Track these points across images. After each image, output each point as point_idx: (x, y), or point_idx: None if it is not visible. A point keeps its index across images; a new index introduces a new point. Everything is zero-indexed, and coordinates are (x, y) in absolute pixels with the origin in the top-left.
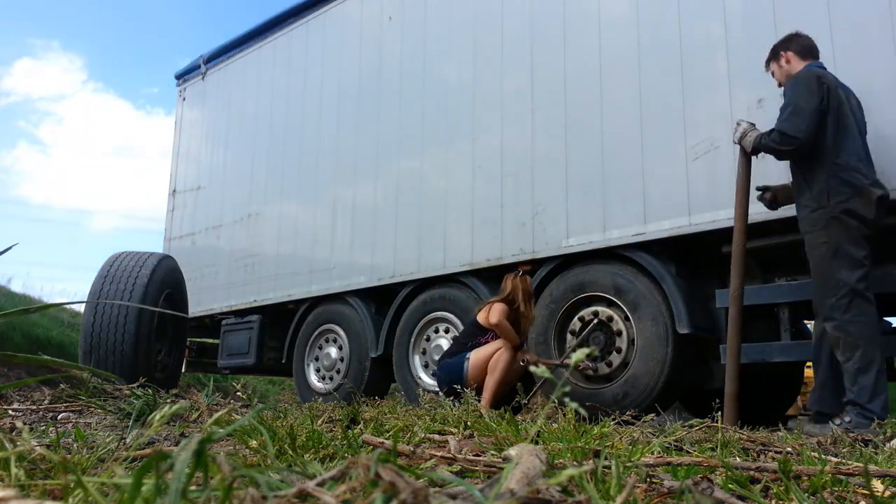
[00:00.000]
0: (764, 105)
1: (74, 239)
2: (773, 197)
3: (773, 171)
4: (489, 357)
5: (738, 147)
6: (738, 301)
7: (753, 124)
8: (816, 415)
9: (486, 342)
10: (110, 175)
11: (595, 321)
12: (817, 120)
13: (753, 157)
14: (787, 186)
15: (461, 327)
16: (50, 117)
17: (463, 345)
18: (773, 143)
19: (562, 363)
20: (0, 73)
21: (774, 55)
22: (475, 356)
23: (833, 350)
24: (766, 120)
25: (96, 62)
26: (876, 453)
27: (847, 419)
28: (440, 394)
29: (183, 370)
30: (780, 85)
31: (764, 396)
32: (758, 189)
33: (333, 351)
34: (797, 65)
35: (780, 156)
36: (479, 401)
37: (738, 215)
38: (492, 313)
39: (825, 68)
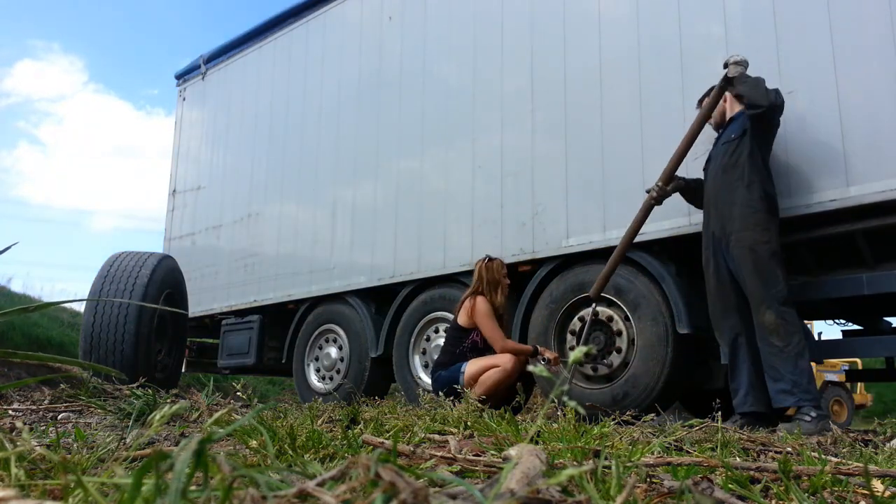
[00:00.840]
0: None
1: (74, 239)
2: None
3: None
4: (484, 370)
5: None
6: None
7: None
8: (751, 416)
9: (474, 342)
10: (110, 175)
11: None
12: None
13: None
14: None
15: None
16: (50, 118)
17: (451, 353)
18: (772, 92)
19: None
20: (1, 75)
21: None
22: (471, 368)
23: (768, 339)
24: None
25: (97, 64)
26: (876, 453)
27: (809, 417)
28: (440, 393)
29: (183, 370)
30: (709, 121)
31: None
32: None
33: (333, 351)
34: (733, 107)
35: (762, 101)
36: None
37: (691, 131)
38: (484, 327)
39: None
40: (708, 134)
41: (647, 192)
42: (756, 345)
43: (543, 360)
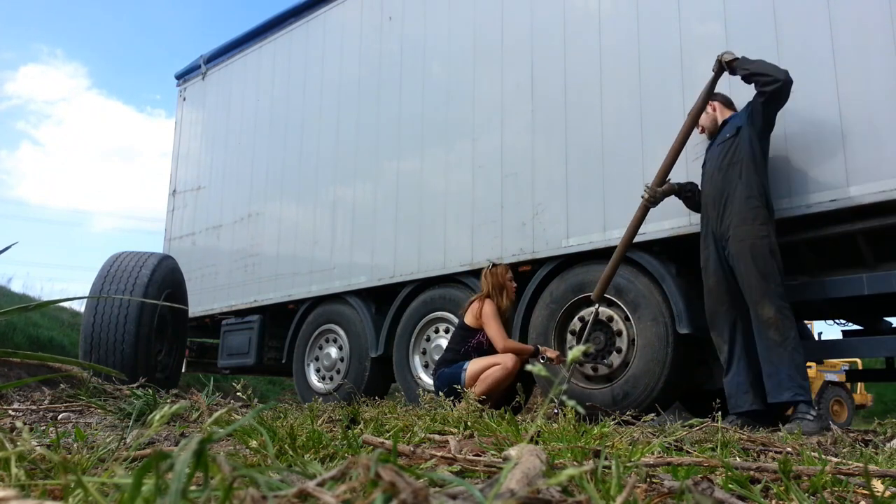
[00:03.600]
0: None
1: (74, 239)
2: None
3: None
4: (485, 368)
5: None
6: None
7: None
8: (749, 415)
9: (479, 342)
10: (111, 176)
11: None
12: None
13: None
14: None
15: None
16: (53, 120)
17: (456, 351)
18: (783, 72)
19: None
20: (5, 78)
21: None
22: (472, 367)
23: (765, 333)
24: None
25: (100, 70)
26: (876, 453)
27: (811, 416)
28: (440, 393)
29: (183, 370)
30: (702, 132)
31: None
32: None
33: (333, 351)
34: (723, 113)
35: (778, 75)
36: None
37: (682, 132)
38: (488, 327)
39: None
40: (702, 138)
41: (642, 196)
42: (753, 344)
43: (544, 359)
